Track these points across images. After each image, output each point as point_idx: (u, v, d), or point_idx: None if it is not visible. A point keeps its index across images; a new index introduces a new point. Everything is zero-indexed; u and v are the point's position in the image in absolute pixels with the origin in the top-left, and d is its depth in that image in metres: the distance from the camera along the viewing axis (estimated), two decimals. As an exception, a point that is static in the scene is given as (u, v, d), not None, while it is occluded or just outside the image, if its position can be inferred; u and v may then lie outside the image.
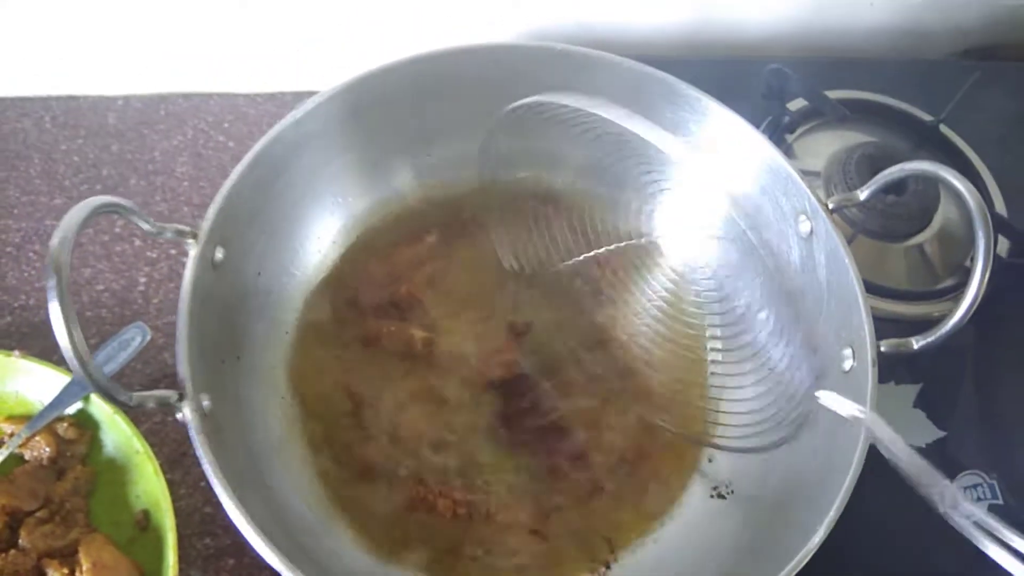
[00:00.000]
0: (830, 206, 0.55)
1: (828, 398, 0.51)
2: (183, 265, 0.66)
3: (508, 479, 0.57)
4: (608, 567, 0.55)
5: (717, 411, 0.60)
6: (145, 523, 0.54)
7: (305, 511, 0.54)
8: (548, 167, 0.66)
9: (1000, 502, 0.61)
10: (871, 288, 0.63)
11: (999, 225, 0.67)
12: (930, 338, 0.50)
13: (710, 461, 0.59)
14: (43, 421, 0.56)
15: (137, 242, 0.69)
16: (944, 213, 0.70)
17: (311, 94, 0.76)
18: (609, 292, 0.64)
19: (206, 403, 0.47)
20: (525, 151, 0.65)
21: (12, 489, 0.54)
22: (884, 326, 0.52)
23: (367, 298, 0.62)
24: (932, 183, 0.68)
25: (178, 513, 0.53)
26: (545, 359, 0.61)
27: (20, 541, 0.53)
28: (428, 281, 0.64)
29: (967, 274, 0.51)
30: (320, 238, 0.63)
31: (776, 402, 0.57)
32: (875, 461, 0.47)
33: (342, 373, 0.60)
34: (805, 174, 0.57)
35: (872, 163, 0.68)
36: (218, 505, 0.58)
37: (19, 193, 0.71)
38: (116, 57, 0.74)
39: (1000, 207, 0.71)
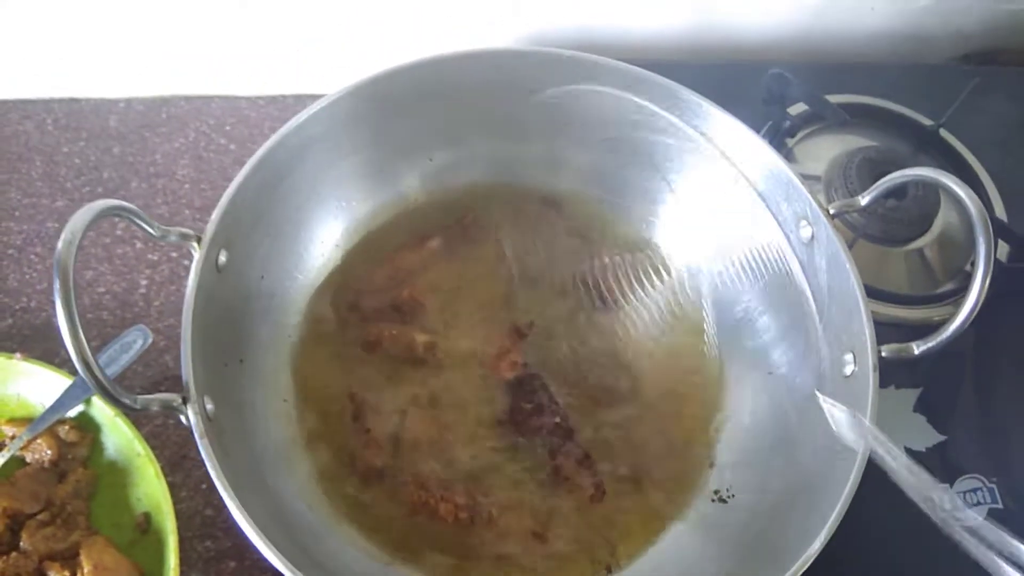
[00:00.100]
0: (831, 211, 0.55)
1: (826, 404, 0.51)
2: (184, 268, 0.67)
3: (510, 483, 0.57)
4: (609, 570, 0.55)
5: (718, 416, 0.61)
6: (146, 526, 0.54)
7: (307, 514, 0.54)
8: (552, 172, 0.67)
9: (1000, 506, 0.61)
10: (871, 292, 0.63)
11: (999, 230, 0.68)
12: (931, 343, 0.50)
13: (711, 465, 0.59)
14: (44, 424, 0.56)
15: (139, 245, 0.69)
16: (944, 218, 0.70)
17: (312, 96, 0.76)
18: (611, 296, 0.64)
19: (209, 406, 0.47)
20: (529, 155, 0.65)
21: (13, 492, 0.54)
22: (884, 330, 0.52)
23: (369, 302, 0.62)
24: (932, 188, 0.68)
25: (179, 516, 0.53)
26: (548, 363, 0.61)
27: (21, 543, 0.53)
28: (430, 285, 0.64)
29: (967, 278, 0.51)
30: (323, 242, 0.63)
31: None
32: (876, 467, 0.47)
33: (344, 376, 0.60)
34: (806, 178, 0.57)
35: (873, 167, 0.68)
36: (219, 508, 0.58)
37: (20, 195, 0.71)
38: (118, 59, 0.75)
39: (1000, 212, 0.71)
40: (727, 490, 0.58)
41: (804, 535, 0.46)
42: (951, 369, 0.67)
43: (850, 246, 0.61)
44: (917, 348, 0.51)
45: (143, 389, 0.62)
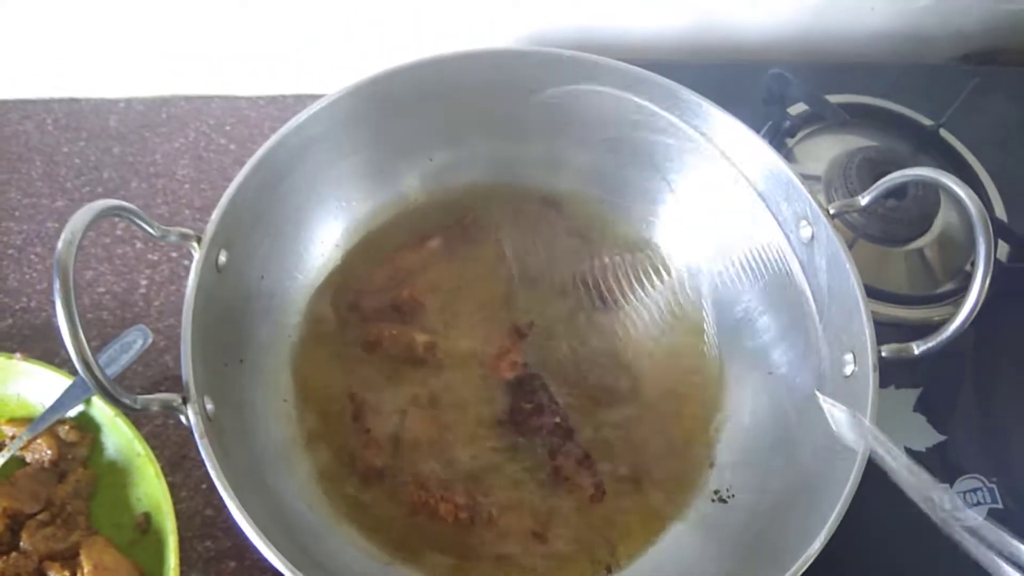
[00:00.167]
0: (831, 211, 0.55)
1: (826, 404, 0.51)
2: (184, 268, 0.67)
3: (510, 483, 0.57)
4: (609, 570, 0.55)
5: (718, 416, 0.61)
6: (146, 526, 0.54)
7: (307, 514, 0.54)
8: (552, 172, 0.67)
9: (1000, 506, 0.61)
10: (871, 292, 0.63)
11: (999, 230, 0.68)
12: (931, 343, 0.50)
13: (712, 465, 0.59)
14: (44, 424, 0.56)
15: (138, 245, 0.69)
16: (944, 217, 0.70)
17: (312, 96, 0.76)
18: (611, 296, 0.64)
19: (209, 406, 0.47)
20: (529, 155, 0.65)
21: (13, 492, 0.54)
22: (884, 330, 0.52)
23: (369, 302, 0.62)
24: (932, 188, 0.68)
25: (179, 516, 0.53)
26: (548, 363, 0.61)
27: (21, 544, 0.53)
28: (430, 285, 0.64)
29: (967, 278, 0.51)
30: (323, 242, 0.63)
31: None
32: (876, 467, 0.47)
33: (344, 376, 0.60)
34: (806, 178, 0.57)
35: (872, 167, 0.69)
36: (219, 508, 0.58)
37: (20, 195, 0.71)
38: (118, 59, 0.75)
39: (1000, 212, 0.71)
40: (727, 490, 0.58)
41: (804, 535, 0.46)
42: (951, 369, 0.67)
43: (850, 246, 0.61)
44: (917, 348, 0.51)
45: (143, 389, 0.62)
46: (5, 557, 0.52)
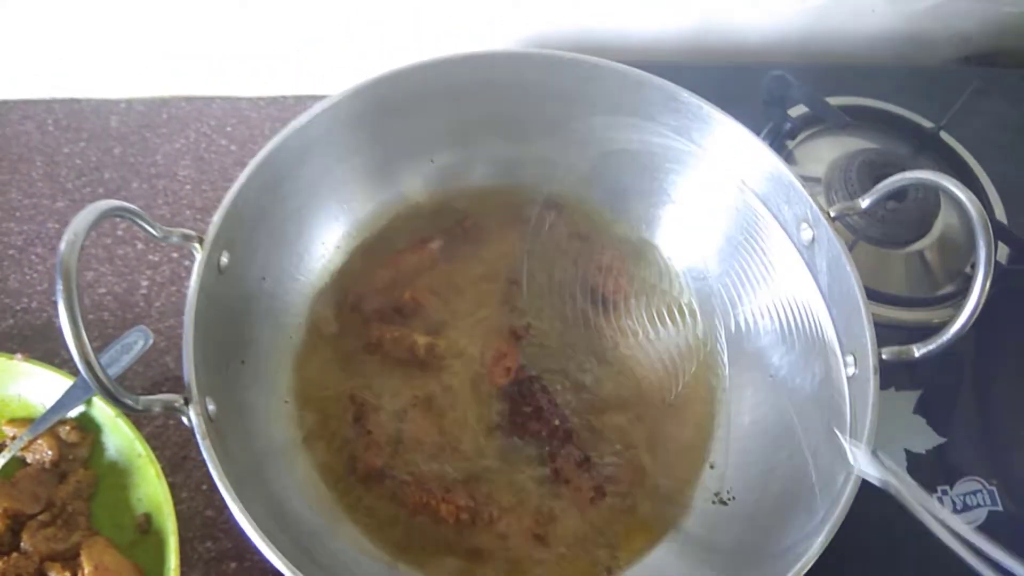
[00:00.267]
0: (832, 214, 0.55)
1: (846, 443, 0.51)
2: (185, 269, 0.67)
3: (511, 484, 0.57)
4: (610, 572, 0.55)
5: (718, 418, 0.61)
6: (147, 526, 0.54)
7: (308, 514, 0.54)
8: (553, 174, 0.67)
9: (999, 508, 0.61)
10: (871, 294, 0.63)
11: (999, 232, 0.68)
12: (931, 346, 0.50)
13: (712, 467, 0.59)
14: (45, 424, 0.56)
15: (139, 245, 0.69)
16: (944, 220, 0.70)
17: (313, 97, 0.77)
18: (612, 298, 0.64)
19: (211, 407, 0.47)
20: (530, 157, 0.65)
21: (14, 492, 0.54)
22: (883, 332, 0.52)
23: (370, 303, 0.62)
24: (933, 190, 0.69)
25: (180, 516, 0.53)
26: (547, 365, 0.61)
27: (22, 544, 0.53)
28: (431, 287, 0.64)
29: (967, 280, 0.51)
30: (324, 243, 0.63)
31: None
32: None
33: (346, 378, 0.60)
34: (806, 180, 0.57)
35: (873, 170, 0.69)
36: (220, 508, 0.58)
37: (21, 196, 0.71)
38: (119, 60, 0.75)
39: (1000, 214, 0.71)
40: (727, 492, 0.58)
41: (804, 537, 0.47)
42: (951, 371, 0.67)
43: (850, 248, 0.61)
44: (918, 351, 0.51)
45: (144, 390, 0.62)
46: (6, 558, 0.52)
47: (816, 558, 0.45)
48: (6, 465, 0.55)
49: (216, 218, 0.51)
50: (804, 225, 0.57)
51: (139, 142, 0.75)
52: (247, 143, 0.75)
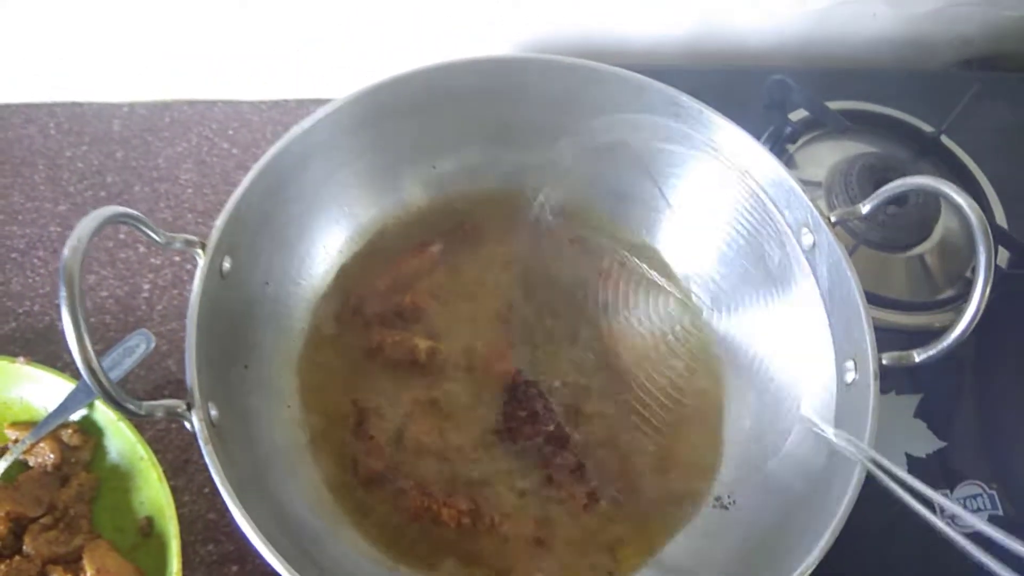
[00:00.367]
0: (832, 219, 0.55)
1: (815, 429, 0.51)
2: (187, 272, 0.67)
3: (512, 489, 0.57)
4: (611, 576, 0.56)
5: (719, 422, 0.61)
6: (149, 529, 0.54)
7: (310, 518, 0.54)
8: (553, 178, 0.67)
9: (1000, 512, 0.61)
10: (872, 298, 0.63)
11: (1000, 236, 0.68)
12: (932, 351, 0.51)
13: (712, 472, 0.59)
14: (47, 428, 0.56)
15: (141, 249, 0.69)
16: (945, 224, 0.70)
17: (315, 101, 0.77)
18: (612, 302, 0.64)
19: (213, 412, 0.47)
20: (531, 161, 0.65)
21: (16, 495, 0.54)
22: (884, 336, 0.52)
23: (372, 308, 0.62)
24: (933, 195, 0.68)
25: (182, 520, 0.53)
26: (547, 369, 0.61)
27: (24, 547, 0.53)
28: (432, 290, 0.64)
29: (967, 285, 0.51)
30: (326, 248, 0.63)
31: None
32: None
33: (347, 382, 0.60)
34: (806, 184, 0.57)
35: (873, 174, 0.69)
36: (222, 512, 0.59)
37: (24, 199, 0.71)
38: (120, 63, 0.75)
39: (1000, 218, 0.71)
40: (728, 496, 0.58)
41: (805, 542, 0.47)
42: (951, 375, 0.67)
43: (851, 252, 0.61)
44: (918, 356, 0.51)
45: (146, 393, 0.62)
46: (8, 561, 0.52)
47: (817, 563, 0.45)
48: (8, 468, 0.55)
49: (219, 223, 0.51)
50: (805, 230, 0.57)
51: (141, 146, 0.75)
52: (249, 147, 0.75)
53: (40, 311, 0.66)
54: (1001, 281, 0.55)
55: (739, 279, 0.63)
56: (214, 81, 0.77)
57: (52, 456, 0.56)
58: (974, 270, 0.50)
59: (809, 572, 0.45)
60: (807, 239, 0.57)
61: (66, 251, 0.41)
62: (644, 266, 0.66)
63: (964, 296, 0.50)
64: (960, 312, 0.50)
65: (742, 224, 0.61)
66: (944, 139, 0.75)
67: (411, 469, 0.57)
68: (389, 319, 0.62)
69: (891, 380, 0.54)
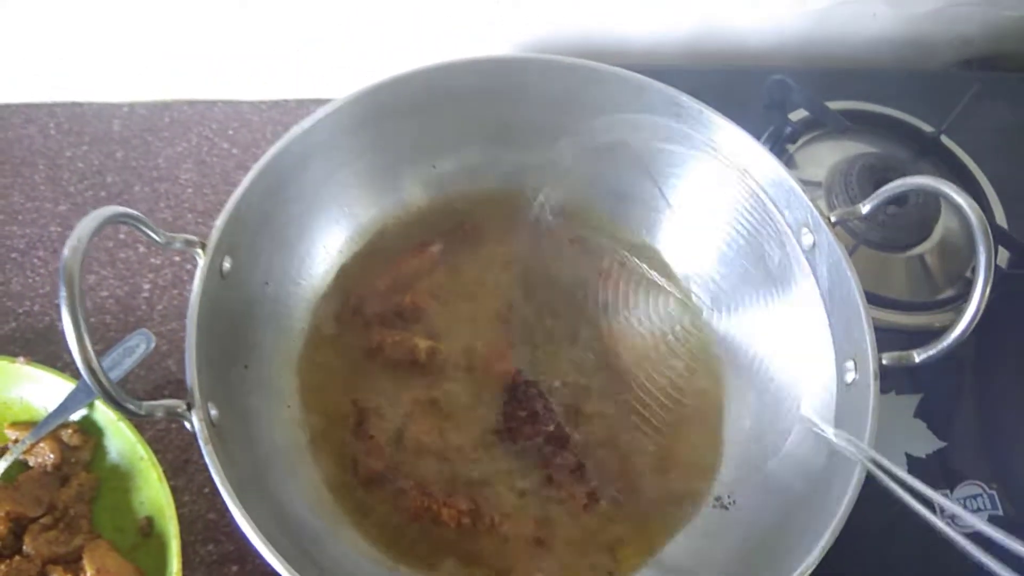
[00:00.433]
0: (832, 219, 0.55)
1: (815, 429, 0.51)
2: (187, 272, 0.68)
3: (512, 489, 0.57)
4: (612, 576, 0.56)
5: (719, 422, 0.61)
6: (149, 529, 0.55)
7: (310, 518, 0.54)
8: (553, 178, 0.67)
9: (1000, 512, 0.61)
10: (872, 298, 0.63)
11: (1000, 236, 0.68)
12: (931, 351, 0.51)
13: (712, 472, 0.59)
14: (47, 428, 0.56)
15: (141, 249, 0.69)
16: (945, 224, 0.70)
17: (315, 100, 0.77)
18: (612, 303, 0.64)
19: (213, 412, 0.47)
20: (532, 161, 0.65)
21: (16, 495, 0.54)
22: (884, 336, 0.52)
23: (372, 308, 0.62)
24: (933, 194, 0.68)
25: (182, 520, 0.54)
26: (547, 369, 0.61)
27: (24, 547, 0.53)
28: (432, 290, 0.64)
29: (967, 285, 0.51)
30: (326, 248, 0.63)
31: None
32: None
33: (348, 382, 0.60)
34: (807, 184, 0.57)
35: (873, 174, 0.69)
36: (222, 512, 0.59)
37: (24, 199, 0.71)
38: (120, 63, 0.75)
39: (1000, 218, 0.71)
40: (728, 496, 0.58)
41: (805, 542, 0.47)
42: (951, 375, 0.67)
43: (851, 252, 0.61)
44: (918, 356, 0.51)
45: (146, 393, 0.62)
46: (8, 561, 0.52)
47: (817, 563, 0.45)
48: (8, 468, 0.55)
49: (219, 223, 0.51)
50: (805, 230, 0.57)
51: (141, 146, 0.75)
52: (249, 147, 0.75)
53: (40, 311, 0.66)
54: (1001, 281, 0.55)
55: (739, 279, 0.63)
56: (214, 81, 0.77)
57: (52, 456, 0.56)
58: (974, 270, 0.50)
59: (809, 572, 0.45)
60: (807, 239, 0.57)
61: (66, 251, 0.41)
62: (644, 266, 0.66)
63: (964, 296, 0.50)
64: (960, 312, 0.50)
65: (742, 224, 0.61)
66: (944, 139, 0.75)
67: (411, 469, 0.57)
68: (389, 319, 0.62)
69: (891, 380, 0.54)
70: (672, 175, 0.64)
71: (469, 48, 0.76)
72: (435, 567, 0.54)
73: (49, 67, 0.74)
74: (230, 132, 0.76)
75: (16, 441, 0.56)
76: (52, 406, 0.57)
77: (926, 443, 0.64)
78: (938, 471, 0.63)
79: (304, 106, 0.78)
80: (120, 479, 0.56)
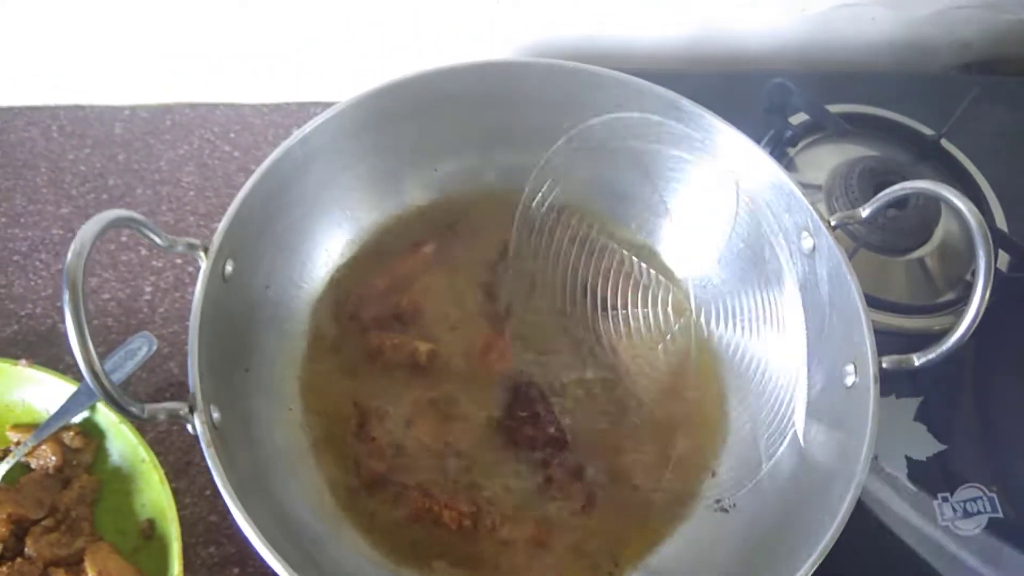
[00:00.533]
0: (832, 223, 0.55)
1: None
2: (189, 275, 0.68)
3: (512, 491, 0.57)
4: (612, 578, 0.56)
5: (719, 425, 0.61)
6: (150, 532, 0.55)
7: (312, 521, 0.54)
8: (553, 179, 0.67)
9: (1000, 515, 0.61)
10: (871, 302, 0.63)
11: (999, 240, 0.68)
12: (931, 355, 0.51)
13: (713, 475, 0.59)
14: (49, 430, 0.56)
15: (143, 251, 0.69)
16: (945, 227, 0.70)
17: (316, 104, 0.77)
18: (612, 304, 0.64)
19: (215, 415, 0.47)
20: (532, 163, 0.65)
21: (18, 498, 0.54)
22: (884, 339, 0.52)
23: (369, 311, 0.62)
24: (933, 198, 0.69)
25: (183, 522, 0.54)
26: (545, 371, 0.61)
27: (26, 550, 0.53)
28: (428, 291, 0.64)
29: (967, 288, 0.51)
30: (328, 251, 0.63)
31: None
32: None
33: (349, 385, 0.60)
34: (807, 188, 0.57)
35: (873, 177, 0.69)
36: (223, 514, 0.59)
37: (26, 202, 0.71)
38: (123, 66, 0.75)
39: (1000, 221, 0.71)
40: (727, 497, 0.58)
41: (805, 543, 0.47)
42: (952, 378, 0.67)
43: (851, 256, 0.61)
44: (918, 360, 0.51)
45: (147, 395, 0.63)
46: (10, 563, 0.52)
47: (817, 564, 0.46)
48: (10, 471, 0.55)
49: (221, 227, 0.51)
50: (805, 233, 0.57)
51: (143, 148, 0.75)
52: (250, 149, 0.75)
53: (42, 314, 0.66)
54: (1001, 284, 0.55)
55: (739, 281, 0.63)
56: (215, 84, 0.77)
57: (54, 458, 0.56)
58: (974, 273, 0.50)
59: (810, 573, 0.45)
60: (807, 242, 0.57)
61: (69, 255, 0.41)
62: (644, 266, 0.66)
63: (964, 299, 0.50)
64: (960, 315, 0.50)
65: (742, 227, 0.61)
66: (944, 143, 0.75)
67: (413, 471, 0.57)
68: (387, 322, 0.62)
69: (891, 383, 0.54)
70: (672, 178, 0.64)
71: (469, 48, 0.76)
72: (436, 569, 0.54)
73: (51, 70, 0.74)
74: (232, 135, 0.76)
75: (18, 443, 0.56)
76: (54, 408, 0.57)
77: (926, 446, 0.64)
78: (938, 474, 0.63)
79: (305, 109, 0.78)
80: (122, 481, 0.56)
